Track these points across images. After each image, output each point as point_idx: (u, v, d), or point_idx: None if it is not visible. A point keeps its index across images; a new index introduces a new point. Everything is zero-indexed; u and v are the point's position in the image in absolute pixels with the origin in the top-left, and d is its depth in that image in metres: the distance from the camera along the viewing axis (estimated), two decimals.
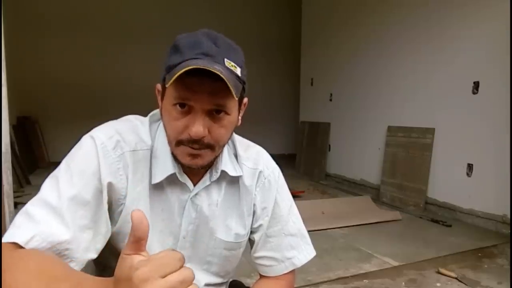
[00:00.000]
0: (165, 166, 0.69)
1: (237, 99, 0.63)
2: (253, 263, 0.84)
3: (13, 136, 4.28)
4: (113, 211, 0.67)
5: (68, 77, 5.83)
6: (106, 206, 0.65)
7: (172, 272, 0.40)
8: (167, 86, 0.62)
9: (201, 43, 0.61)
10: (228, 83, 0.57)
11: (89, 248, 0.62)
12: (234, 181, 0.78)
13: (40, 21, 5.61)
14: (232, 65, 0.62)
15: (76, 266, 0.59)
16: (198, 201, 0.74)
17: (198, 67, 0.56)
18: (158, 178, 0.69)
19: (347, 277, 2.12)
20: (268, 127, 7.12)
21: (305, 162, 5.69)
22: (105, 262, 0.72)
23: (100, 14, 5.97)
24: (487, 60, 3.06)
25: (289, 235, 0.82)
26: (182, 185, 0.72)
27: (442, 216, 3.39)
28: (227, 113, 0.64)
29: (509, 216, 2.89)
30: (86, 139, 0.67)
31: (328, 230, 2.93)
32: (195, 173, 0.73)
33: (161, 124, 0.71)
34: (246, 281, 1.20)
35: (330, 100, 5.21)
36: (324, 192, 4.48)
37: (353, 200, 3.88)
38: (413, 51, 3.80)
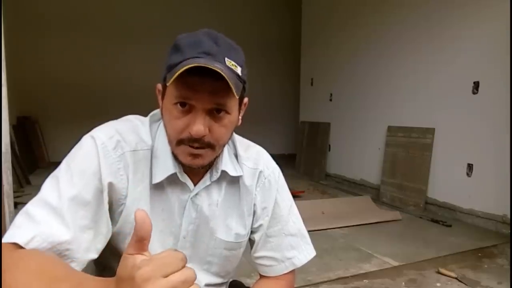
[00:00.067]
0: (166, 166, 0.69)
1: (237, 98, 0.63)
2: (253, 263, 0.84)
3: (13, 136, 4.28)
4: (113, 211, 0.67)
5: (68, 77, 5.83)
6: (106, 206, 0.65)
7: (174, 272, 0.40)
8: (168, 85, 0.62)
9: (201, 43, 0.61)
10: (229, 82, 0.57)
11: (89, 248, 0.61)
12: (235, 181, 0.78)
13: (40, 21, 5.61)
14: (232, 64, 0.62)
15: (77, 266, 0.59)
16: (199, 201, 0.74)
17: (199, 65, 0.56)
18: (158, 178, 0.69)
19: (347, 277, 2.12)
20: (268, 127, 7.12)
21: (305, 162, 5.69)
22: (105, 262, 0.72)
23: (100, 14, 5.97)
24: (487, 60, 3.06)
25: (289, 235, 0.82)
26: (183, 185, 0.72)
27: (442, 216, 3.39)
28: (227, 113, 0.65)
29: (509, 216, 2.89)
30: (86, 139, 0.67)
31: (328, 230, 2.93)
32: (196, 173, 0.73)
33: (162, 124, 0.71)
34: (246, 281, 1.20)
35: (330, 100, 5.21)
36: (324, 192, 4.48)
37: (353, 200, 3.88)
38: (413, 51, 3.80)
